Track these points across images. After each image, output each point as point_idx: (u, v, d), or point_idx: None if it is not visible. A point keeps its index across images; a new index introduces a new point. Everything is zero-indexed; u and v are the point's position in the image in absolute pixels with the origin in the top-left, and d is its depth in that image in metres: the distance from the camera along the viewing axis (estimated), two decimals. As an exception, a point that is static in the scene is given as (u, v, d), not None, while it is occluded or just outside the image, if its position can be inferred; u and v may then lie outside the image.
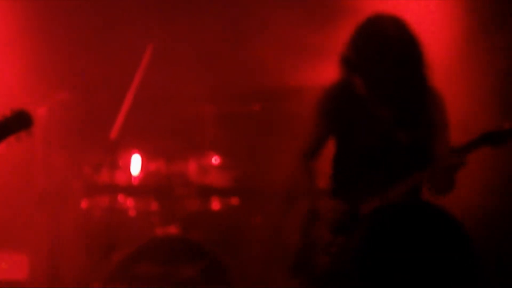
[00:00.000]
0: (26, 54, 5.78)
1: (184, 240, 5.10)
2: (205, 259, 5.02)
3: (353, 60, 3.96)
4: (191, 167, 5.32)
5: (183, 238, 5.13)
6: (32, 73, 5.75)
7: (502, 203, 5.28)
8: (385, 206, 3.91)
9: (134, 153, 5.30)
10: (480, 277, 3.81)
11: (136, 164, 5.28)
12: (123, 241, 5.14)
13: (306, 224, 4.08)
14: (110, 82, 5.69)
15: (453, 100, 4.16)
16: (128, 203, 5.28)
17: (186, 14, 5.86)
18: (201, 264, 5.02)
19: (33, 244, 5.65)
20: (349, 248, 3.88)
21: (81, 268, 5.35)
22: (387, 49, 3.90)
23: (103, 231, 5.18)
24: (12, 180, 5.68)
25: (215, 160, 5.36)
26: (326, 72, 4.20)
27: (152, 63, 5.36)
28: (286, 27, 5.68)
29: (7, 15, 5.83)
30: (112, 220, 5.20)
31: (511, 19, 5.39)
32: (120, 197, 5.28)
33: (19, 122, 3.87)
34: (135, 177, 5.28)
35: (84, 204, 5.30)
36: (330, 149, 4.18)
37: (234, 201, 5.41)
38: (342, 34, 4.03)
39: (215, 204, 5.37)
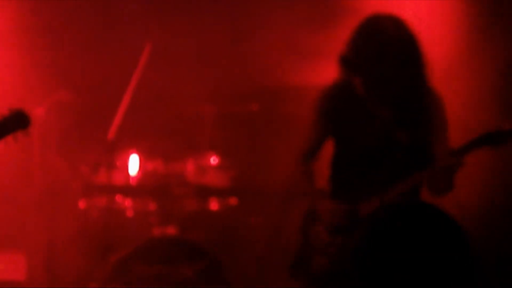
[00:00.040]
0: (23, 54, 5.77)
1: (182, 241, 5.10)
2: (204, 260, 5.01)
3: (353, 60, 3.95)
4: (189, 167, 5.31)
5: (181, 238, 5.13)
6: (30, 73, 5.74)
7: (502, 203, 5.28)
8: (384, 206, 3.90)
9: (132, 153, 5.30)
10: (480, 277, 3.80)
11: (134, 164, 5.28)
12: (121, 242, 5.14)
13: (305, 225, 4.07)
14: (108, 81, 5.68)
15: (453, 100, 4.15)
16: (126, 203, 5.28)
17: (185, 13, 5.85)
18: (200, 265, 5.01)
19: (31, 244, 5.65)
20: (348, 249, 3.87)
21: (79, 268, 5.34)
22: (386, 49, 3.88)
23: (101, 232, 5.18)
24: (10, 180, 5.67)
25: (214, 160, 5.35)
26: (326, 72, 4.19)
27: (150, 62, 5.37)
28: (286, 27, 5.67)
29: (5, 14, 5.82)
30: (110, 220, 5.21)
31: (511, 19, 5.39)
32: (118, 197, 5.28)
33: (17, 122, 3.85)
34: (133, 177, 5.27)
35: (82, 204, 5.30)
36: (329, 149, 4.17)
37: (233, 201, 5.40)
38: (342, 34, 4.01)
39: (214, 205, 5.36)
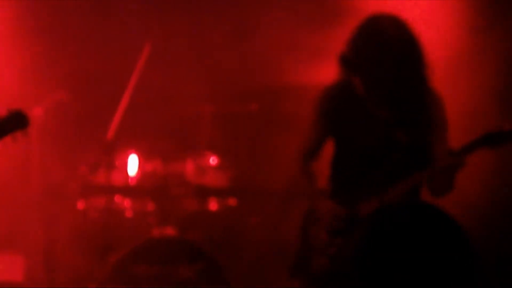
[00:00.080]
0: (22, 54, 5.77)
1: (182, 241, 5.09)
2: (203, 260, 5.01)
3: (353, 60, 3.94)
4: (189, 168, 5.30)
5: (181, 238, 5.12)
6: (29, 73, 5.74)
7: (502, 203, 5.28)
8: (384, 206, 3.89)
9: (131, 153, 5.29)
10: (480, 277, 3.80)
11: (133, 164, 5.27)
12: (120, 242, 5.14)
13: (305, 225, 4.06)
14: (107, 81, 5.67)
15: (453, 100, 4.15)
16: (125, 203, 5.28)
17: (184, 13, 5.85)
18: (199, 265, 5.01)
19: (29, 245, 5.64)
20: (348, 249, 3.86)
21: (78, 269, 5.34)
22: (386, 49, 3.88)
23: (100, 232, 5.18)
24: (8, 181, 5.65)
25: (213, 160, 5.35)
26: (326, 72, 4.19)
27: (149, 62, 5.36)
28: (286, 27, 5.67)
29: (3, 14, 5.81)
30: (109, 220, 5.20)
31: (511, 19, 5.39)
32: (117, 198, 5.27)
33: (16, 122, 3.85)
34: (132, 178, 5.27)
35: (80, 204, 5.29)
36: (329, 149, 4.16)
37: (232, 201, 5.40)
38: (342, 34, 4.01)
39: (213, 205, 5.36)
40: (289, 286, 4.08)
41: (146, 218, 5.26)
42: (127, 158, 5.26)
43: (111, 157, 5.19)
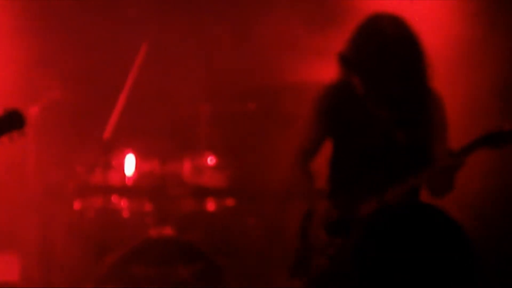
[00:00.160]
0: (18, 53, 5.76)
1: (179, 241, 5.09)
2: (200, 261, 5.01)
3: (352, 59, 3.92)
4: (186, 167, 5.29)
5: (178, 239, 5.11)
6: (25, 72, 5.73)
7: (502, 203, 5.28)
8: (383, 207, 3.88)
9: (128, 153, 5.28)
10: (480, 277, 3.79)
11: (130, 164, 5.26)
12: (117, 242, 5.13)
13: (303, 225, 4.05)
14: (104, 80, 5.67)
15: (453, 100, 4.14)
16: (122, 203, 5.28)
17: (182, 12, 5.84)
18: (196, 266, 5.01)
19: (24, 245, 5.63)
20: (348, 249, 3.85)
21: (74, 269, 5.34)
22: (386, 48, 3.87)
23: (97, 232, 5.18)
24: (4, 180, 5.65)
25: (211, 160, 5.34)
26: (325, 71, 4.17)
27: (147, 61, 5.35)
28: (285, 27, 5.66)
29: (0, 14, 5.79)
30: (106, 221, 5.20)
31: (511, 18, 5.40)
32: (114, 198, 5.27)
33: (12, 122, 3.84)
34: (129, 178, 5.26)
35: (77, 204, 5.29)
36: (327, 149, 4.14)
37: (230, 202, 5.39)
38: (342, 34, 3.99)
39: (210, 205, 5.35)
40: (289, 286, 4.07)
41: (143, 218, 5.25)
42: (124, 157, 5.26)
43: (108, 156, 5.19)
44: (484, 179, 5.20)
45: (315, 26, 5.56)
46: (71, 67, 5.77)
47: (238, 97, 5.73)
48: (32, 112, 5.35)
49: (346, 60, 3.93)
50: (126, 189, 5.24)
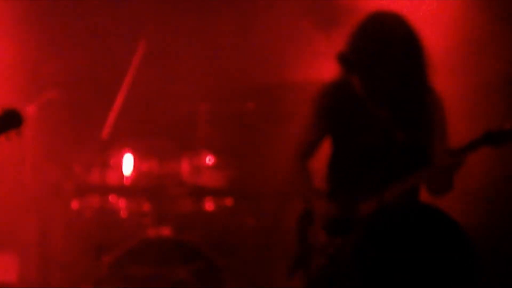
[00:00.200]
0: (15, 53, 5.75)
1: (177, 241, 5.09)
2: (199, 260, 5.02)
3: (352, 58, 3.90)
4: (184, 167, 5.29)
5: (176, 239, 5.11)
6: (22, 71, 5.72)
7: (502, 203, 5.28)
8: (383, 206, 3.87)
9: (126, 152, 5.28)
10: (480, 277, 3.78)
11: (128, 163, 5.25)
12: (115, 242, 5.13)
13: (302, 225, 4.04)
14: (101, 80, 5.66)
15: (453, 99, 4.13)
16: (120, 203, 5.28)
17: (180, 11, 5.83)
18: (195, 266, 5.01)
19: (23, 245, 5.62)
20: (347, 249, 3.84)
21: (72, 269, 5.33)
22: (386, 46, 3.85)
23: (94, 232, 5.18)
24: (2, 180, 5.65)
25: (209, 160, 5.33)
26: (324, 71, 4.17)
27: (145, 60, 5.34)
28: (285, 26, 5.66)
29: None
30: (104, 221, 5.19)
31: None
32: (112, 198, 5.27)
33: (9, 121, 3.82)
34: (127, 177, 5.26)
35: (74, 204, 5.29)
36: (326, 148, 4.13)
37: (228, 201, 5.39)
38: (342, 34, 3.98)
39: (209, 205, 5.35)
40: (288, 286, 4.06)
41: (141, 218, 5.25)
42: (122, 157, 5.26)
43: (106, 156, 5.18)
44: (484, 178, 5.19)
45: (315, 25, 5.56)
46: (69, 66, 5.77)
47: (237, 96, 5.72)
48: (29, 111, 5.36)
49: (346, 59, 3.91)
50: (124, 189, 5.25)
